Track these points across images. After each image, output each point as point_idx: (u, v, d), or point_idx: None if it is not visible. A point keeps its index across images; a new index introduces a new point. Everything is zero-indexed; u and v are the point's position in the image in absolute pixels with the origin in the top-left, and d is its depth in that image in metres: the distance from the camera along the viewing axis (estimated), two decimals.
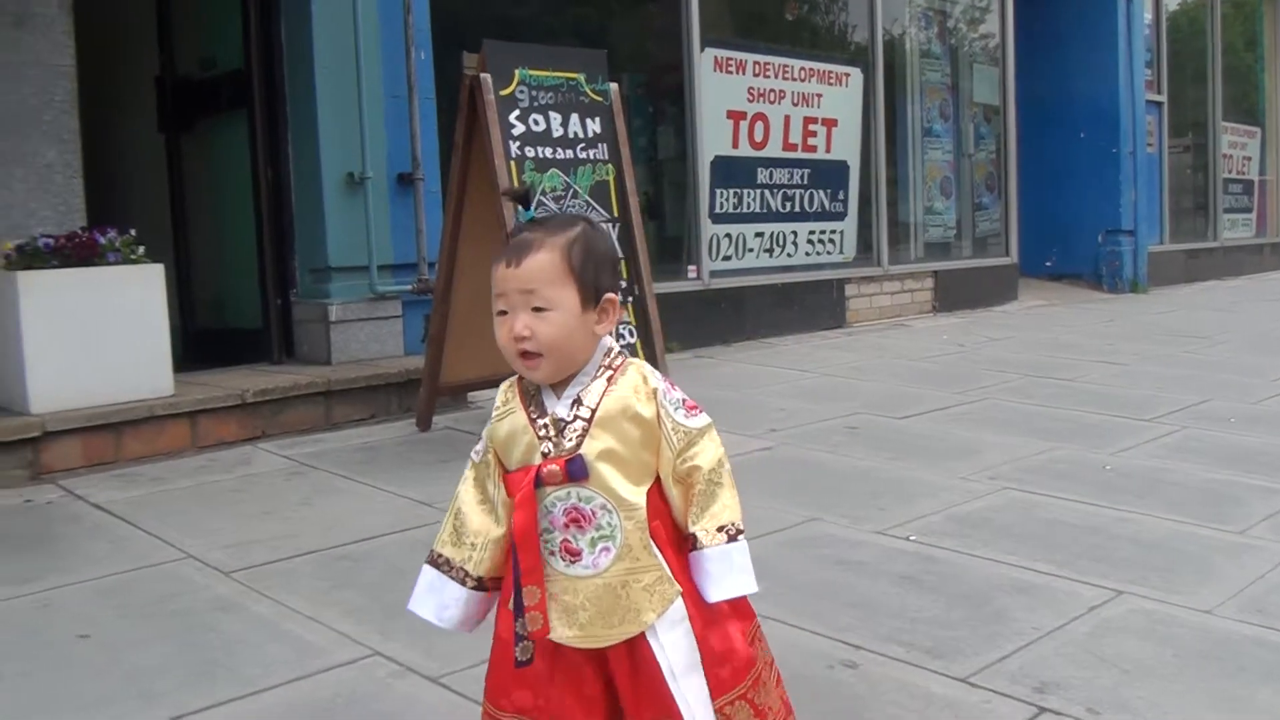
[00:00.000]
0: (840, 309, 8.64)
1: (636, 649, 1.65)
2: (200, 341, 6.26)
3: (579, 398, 1.68)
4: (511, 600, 1.68)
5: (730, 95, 7.83)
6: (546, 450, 1.66)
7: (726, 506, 1.69)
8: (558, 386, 1.69)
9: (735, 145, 7.87)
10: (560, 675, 1.67)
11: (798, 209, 8.37)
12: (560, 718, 1.68)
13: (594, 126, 4.84)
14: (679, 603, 1.66)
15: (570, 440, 1.66)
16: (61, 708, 2.32)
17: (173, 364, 4.74)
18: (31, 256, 4.38)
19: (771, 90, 8.11)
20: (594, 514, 1.65)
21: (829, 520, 3.53)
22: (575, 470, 1.64)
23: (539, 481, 1.65)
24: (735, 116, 7.86)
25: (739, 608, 1.74)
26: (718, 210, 7.75)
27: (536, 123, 4.66)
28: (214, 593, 2.99)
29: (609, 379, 1.69)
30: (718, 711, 1.66)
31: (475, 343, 4.77)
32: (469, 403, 5.43)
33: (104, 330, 4.46)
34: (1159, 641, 2.56)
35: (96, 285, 4.46)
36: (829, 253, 8.67)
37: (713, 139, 7.70)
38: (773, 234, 8.17)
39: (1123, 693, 2.30)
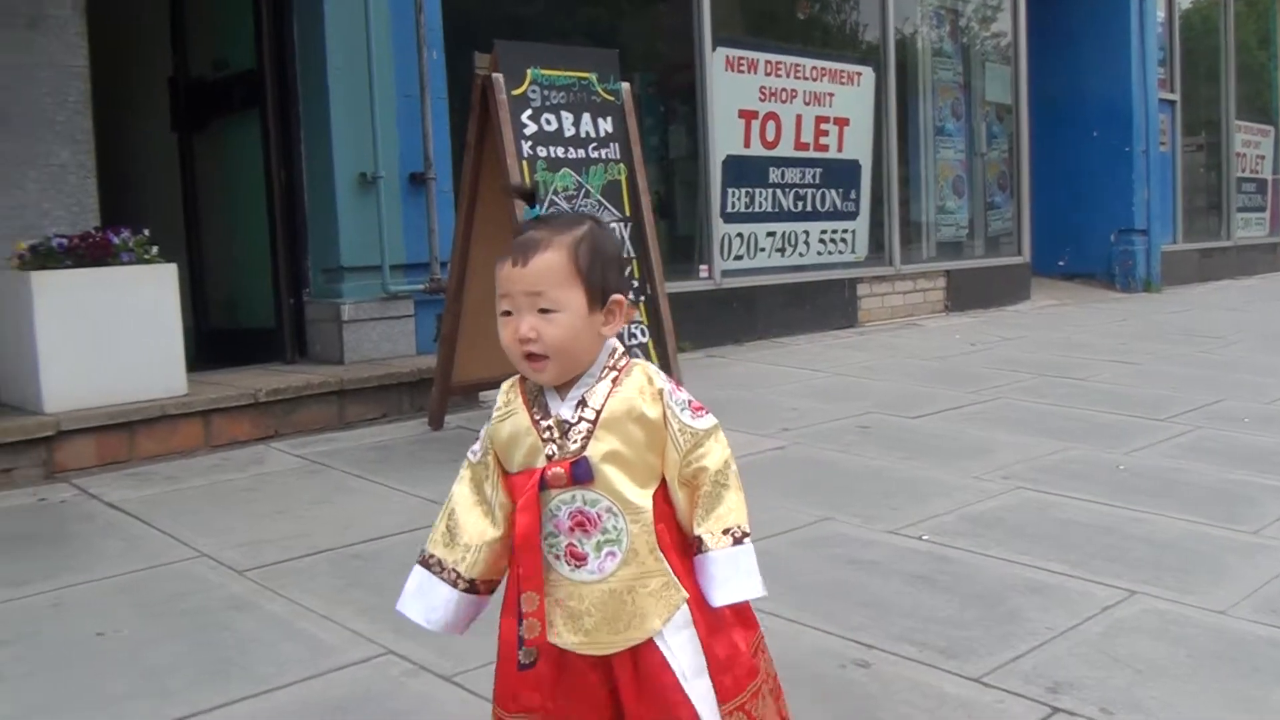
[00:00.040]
0: (852, 308, 8.63)
1: (640, 655, 1.63)
2: (213, 341, 6.28)
3: (583, 399, 1.65)
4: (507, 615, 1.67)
5: (742, 94, 7.82)
6: (551, 453, 1.64)
7: (733, 509, 1.66)
8: (562, 388, 1.67)
9: (747, 144, 7.87)
10: (566, 679, 1.66)
11: (809, 208, 8.36)
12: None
13: (606, 126, 4.84)
14: (685, 608, 1.64)
15: (575, 442, 1.63)
16: (78, 705, 2.33)
17: (186, 363, 4.75)
18: (45, 256, 4.40)
19: (783, 89, 8.10)
20: (599, 517, 1.63)
21: (841, 519, 3.53)
22: (580, 473, 1.62)
23: (543, 485, 1.63)
24: (747, 116, 7.86)
25: (744, 617, 1.72)
26: (729, 210, 7.75)
27: (548, 122, 4.66)
28: (228, 591, 3.00)
29: (614, 380, 1.67)
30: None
31: (487, 342, 4.75)
32: (481, 402, 5.44)
33: (117, 330, 4.48)
34: (1173, 642, 2.56)
35: (110, 285, 4.47)
36: (841, 252, 8.65)
37: (724, 138, 7.69)
38: (784, 233, 8.16)
39: (1136, 693, 2.30)
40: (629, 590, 1.62)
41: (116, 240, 4.50)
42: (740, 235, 7.82)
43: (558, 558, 1.65)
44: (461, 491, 1.75)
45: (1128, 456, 4.31)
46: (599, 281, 1.64)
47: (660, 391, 1.67)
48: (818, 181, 8.40)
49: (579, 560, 1.64)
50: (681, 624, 1.63)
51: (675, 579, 1.64)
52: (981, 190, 10.38)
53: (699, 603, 1.65)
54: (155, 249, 4.64)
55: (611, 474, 1.63)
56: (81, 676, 2.47)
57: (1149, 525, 3.43)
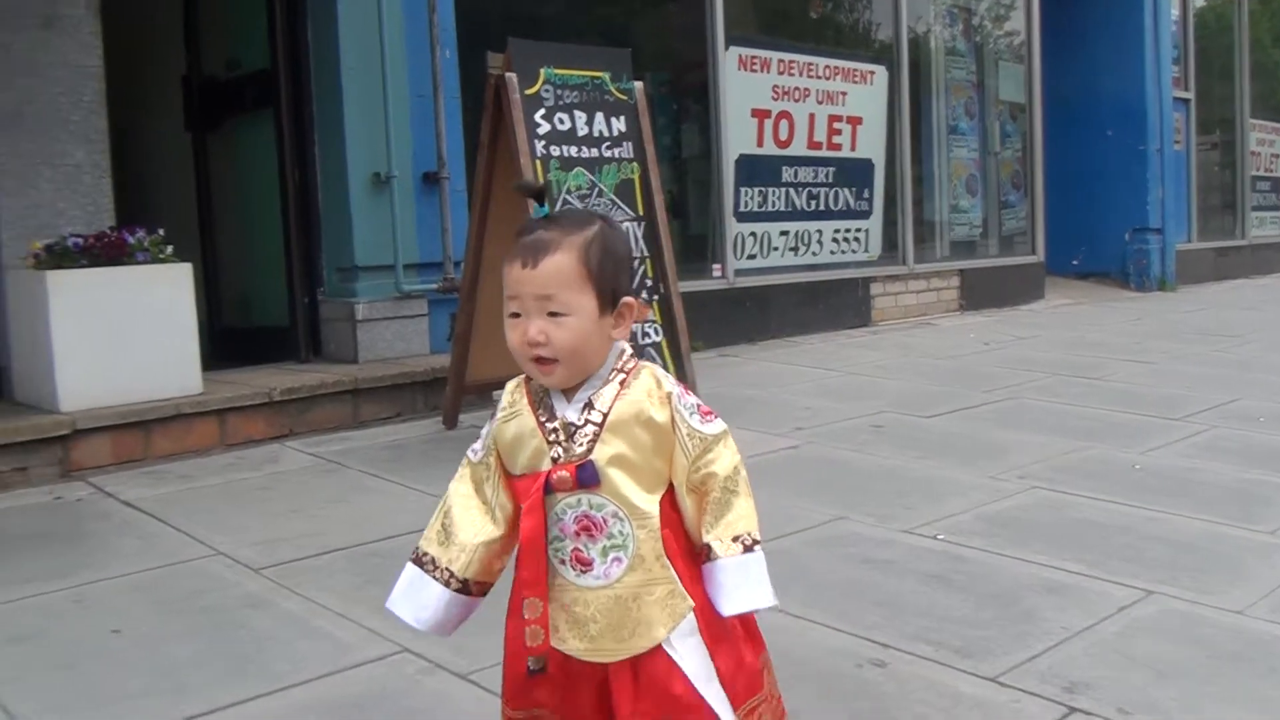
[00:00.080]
0: (865, 308, 8.61)
1: (641, 664, 1.60)
2: (228, 340, 6.29)
3: (590, 401, 1.63)
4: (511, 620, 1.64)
5: (755, 93, 7.82)
6: (556, 455, 1.62)
7: (743, 516, 1.62)
8: (568, 389, 1.65)
9: (760, 144, 7.86)
10: (572, 679, 1.64)
11: (823, 207, 8.34)
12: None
13: (619, 125, 4.84)
14: (691, 615, 1.61)
15: (581, 445, 1.61)
16: (97, 701, 2.34)
17: (201, 362, 4.77)
18: (61, 256, 4.41)
19: (796, 88, 8.09)
20: (605, 522, 1.60)
21: (856, 519, 3.52)
22: (586, 476, 1.59)
23: (549, 488, 1.61)
24: (760, 115, 7.85)
25: (752, 632, 1.70)
26: (742, 209, 7.74)
27: (561, 121, 4.66)
28: (244, 589, 3.00)
29: (621, 383, 1.64)
30: None
31: (501, 342, 4.68)
32: (495, 401, 5.43)
33: (133, 329, 4.49)
34: (1190, 642, 2.55)
35: (125, 284, 4.49)
36: (854, 251, 8.64)
37: (737, 137, 7.69)
38: (798, 232, 8.15)
39: (1153, 693, 2.29)
40: (634, 597, 1.60)
41: (131, 240, 4.52)
42: (753, 234, 7.82)
43: (563, 562, 1.62)
44: (459, 490, 1.73)
45: (1143, 456, 4.30)
46: (610, 284, 1.62)
47: (669, 395, 1.64)
48: (831, 180, 8.38)
49: (585, 565, 1.61)
50: (688, 631, 1.61)
51: (681, 587, 1.61)
52: (995, 189, 10.36)
53: (706, 612, 1.62)
54: (170, 248, 4.66)
55: (618, 478, 1.60)
56: (99, 673, 2.48)
57: (1165, 525, 3.42)
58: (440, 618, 1.70)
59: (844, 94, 8.48)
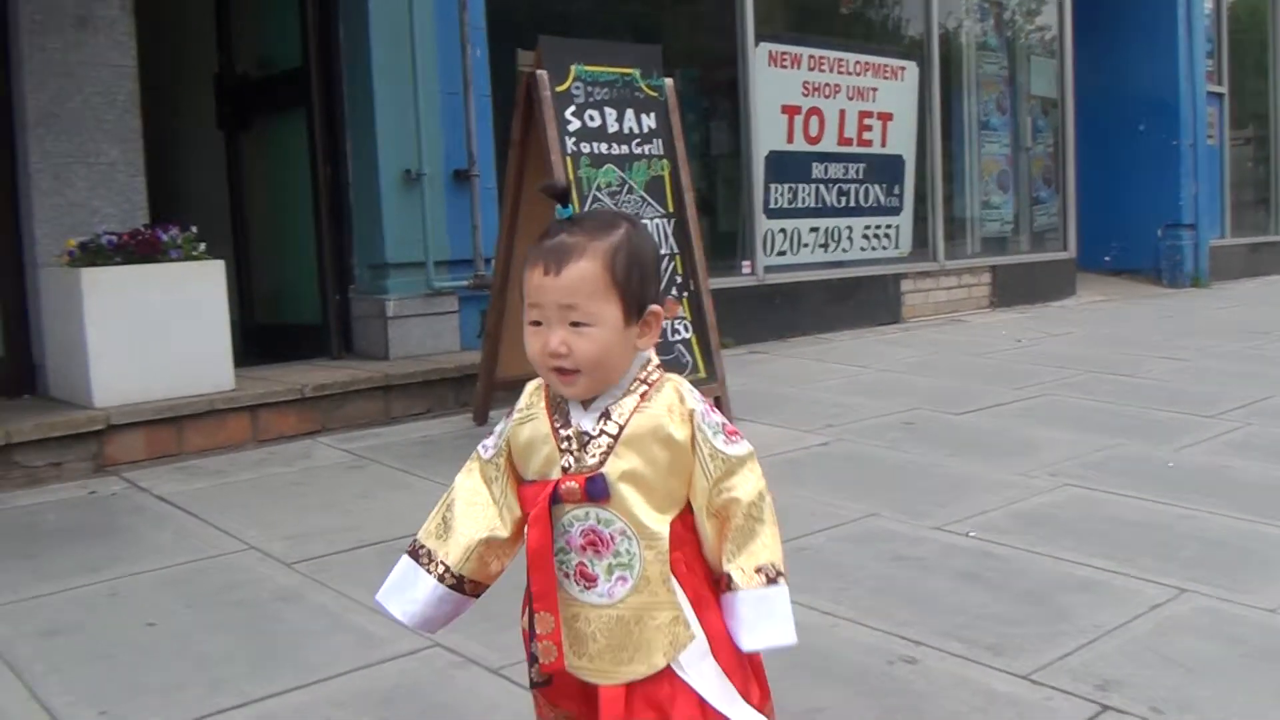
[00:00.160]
0: (896, 304, 8.58)
1: (638, 688, 1.53)
2: (260, 337, 6.33)
3: (607, 411, 1.55)
4: (525, 619, 1.59)
5: (785, 90, 7.80)
6: (567, 465, 1.54)
7: (766, 546, 1.54)
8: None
9: (790, 140, 7.84)
10: (587, 689, 1.58)
11: (853, 204, 8.32)
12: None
13: (649, 122, 4.85)
14: (698, 641, 1.53)
15: (593, 457, 1.53)
16: (132, 693, 2.36)
17: (233, 359, 4.81)
18: (95, 253, 4.46)
19: (826, 84, 8.06)
20: (613, 539, 1.53)
21: (887, 516, 3.52)
22: (595, 490, 1.52)
23: (556, 498, 1.54)
24: (790, 111, 7.83)
25: (760, 676, 1.61)
26: (772, 205, 7.72)
27: (592, 118, 4.67)
28: (276, 583, 3.03)
29: (642, 395, 1.56)
30: None
31: None
32: None
33: (166, 325, 4.53)
34: (1224, 640, 2.53)
35: (158, 281, 4.53)
36: (884, 248, 8.61)
37: (767, 134, 7.67)
38: (828, 229, 8.13)
39: (1187, 692, 2.27)
40: (637, 620, 1.53)
41: (165, 237, 4.56)
42: (783, 231, 7.80)
43: (567, 576, 1.56)
44: (464, 485, 1.66)
45: (1177, 453, 4.27)
46: (636, 292, 1.53)
47: (691, 413, 1.55)
48: (861, 177, 8.36)
49: (589, 581, 1.55)
50: (700, 654, 1.53)
51: (686, 614, 1.53)
52: (1027, 185, 10.30)
53: (720, 642, 1.54)
54: (203, 246, 4.70)
55: (628, 495, 1.52)
56: (134, 666, 2.51)
57: (1198, 522, 3.39)
58: (429, 613, 1.64)
59: (874, 90, 8.44)
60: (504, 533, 1.62)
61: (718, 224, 7.86)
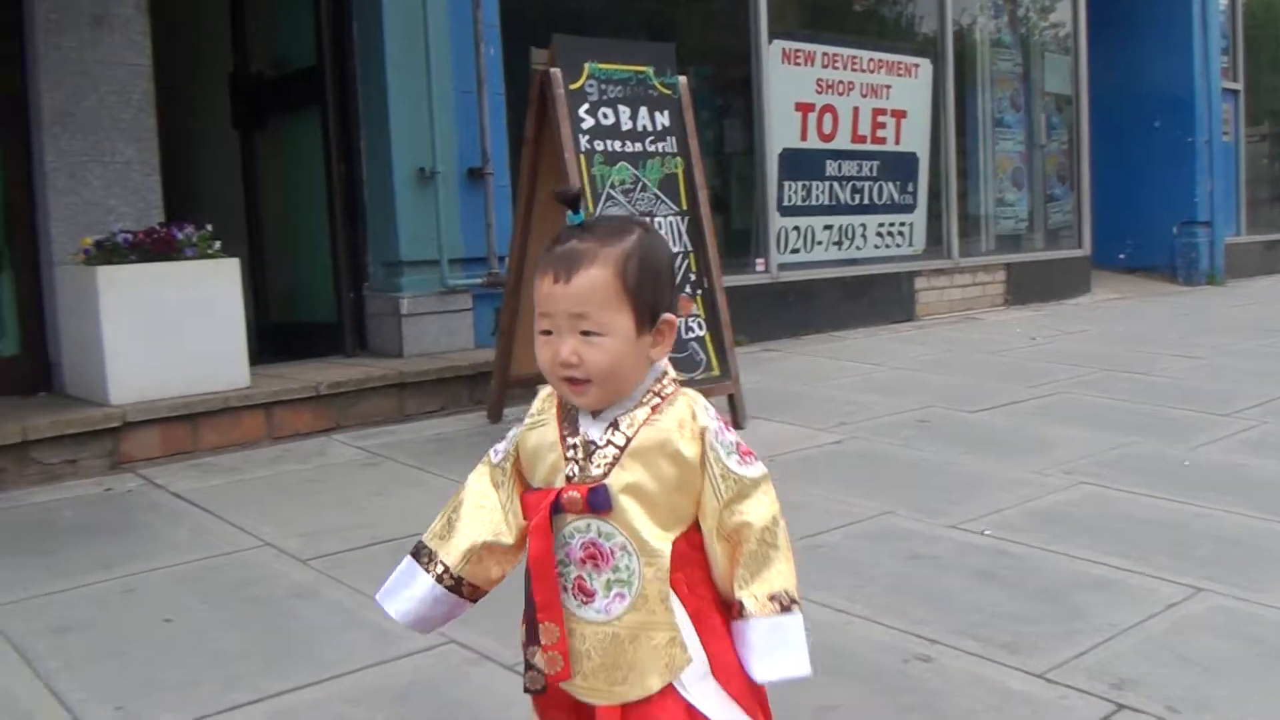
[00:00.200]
0: (910, 302, 8.57)
1: (636, 708, 1.49)
2: (274, 335, 6.35)
3: (616, 422, 1.51)
4: (525, 629, 1.55)
5: (798, 87, 7.79)
6: (571, 474, 1.51)
7: (780, 572, 1.49)
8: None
9: (804, 137, 7.83)
10: (579, 705, 1.55)
11: (867, 201, 8.31)
12: None
13: (663, 120, 4.84)
14: (697, 664, 1.49)
15: (598, 467, 1.50)
16: (150, 689, 2.37)
17: (248, 357, 4.82)
18: (110, 252, 4.48)
19: (840, 82, 8.05)
20: (612, 553, 1.49)
21: (901, 514, 3.51)
22: (597, 501, 1.48)
23: (558, 507, 1.51)
24: (803, 109, 7.82)
25: (764, 704, 1.55)
26: (786, 203, 7.72)
27: (606, 116, 4.67)
28: (291, 580, 3.03)
29: (654, 408, 1.52)
30: None
31: None
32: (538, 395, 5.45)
33: (181, 323, 4.55)
34: (1240, 639, 2.52)
35: (174, 280, 4.54)
36: (898, 245, 8.60)
37: (781, 131, 7.67)
38: (841, 226, 8.12)
39: (1203, 691, 2.26)
40: (633, 639, 1.49)
41: (180, 235, 4.57)
42: (797, 228, 7.79)
43: (565, 589, 1.52)
44: (474, 487, 1.64)
45: (1193, 452, 4.25)
46: (649, 301, 1.49)
47: (703, 430, 1.51)
48: (875, 174, 8.34)
49: (587, 596, 1.51)
50: (700, 675, 1.49)
51: (684, 636, 1.49)
52: (1041, 182, 10.28)
53: (729, 670, 1.50)
54: (218, 244, 4.71)
55: (631, 509, 1.49)
56: (149, 662, 2.52)
57: (1214, 521, 3.38)
58: (423, 612, 1.63)
59: (888, 87, 8.43)
60: (508, 539, 1.60)
61: (731, 221, 7.86)
